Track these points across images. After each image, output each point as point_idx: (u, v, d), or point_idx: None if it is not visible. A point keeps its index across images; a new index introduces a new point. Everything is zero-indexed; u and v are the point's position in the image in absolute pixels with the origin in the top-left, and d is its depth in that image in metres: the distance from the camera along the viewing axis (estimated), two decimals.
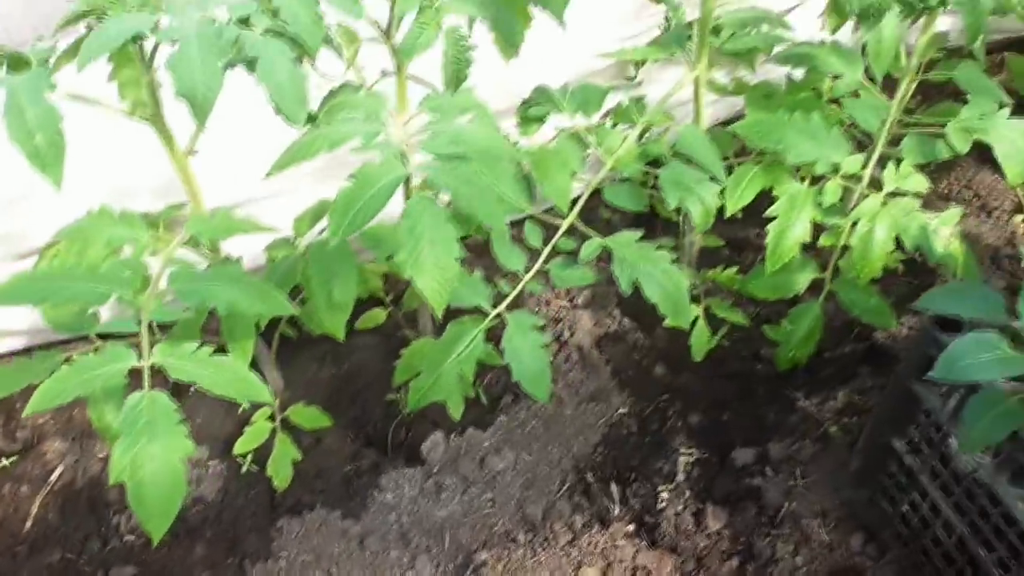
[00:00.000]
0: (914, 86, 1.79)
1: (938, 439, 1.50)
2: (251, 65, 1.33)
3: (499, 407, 1.99)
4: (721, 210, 1.73)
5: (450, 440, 1.91)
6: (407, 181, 1.36)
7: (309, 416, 1.91)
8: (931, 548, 1.59)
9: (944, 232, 1.60)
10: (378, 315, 2.10)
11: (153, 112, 1.51)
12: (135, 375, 1.27)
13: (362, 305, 2.08)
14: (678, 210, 1.76)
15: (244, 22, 1.34)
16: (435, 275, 1.22)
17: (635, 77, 2.11)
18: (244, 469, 1.88)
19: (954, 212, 1.64)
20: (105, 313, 1.65)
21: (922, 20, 1.68)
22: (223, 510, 1.84)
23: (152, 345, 1.29)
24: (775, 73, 2.09)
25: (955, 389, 1.41)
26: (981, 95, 1.81)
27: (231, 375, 1.27)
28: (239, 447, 1.85)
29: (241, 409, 1.94)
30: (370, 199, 1.24)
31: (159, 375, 1.27)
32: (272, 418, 1.89)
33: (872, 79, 1.82)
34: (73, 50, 1.44)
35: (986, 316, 1.30)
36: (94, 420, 1.51)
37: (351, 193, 1.25)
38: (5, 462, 1.90)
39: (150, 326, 1.31)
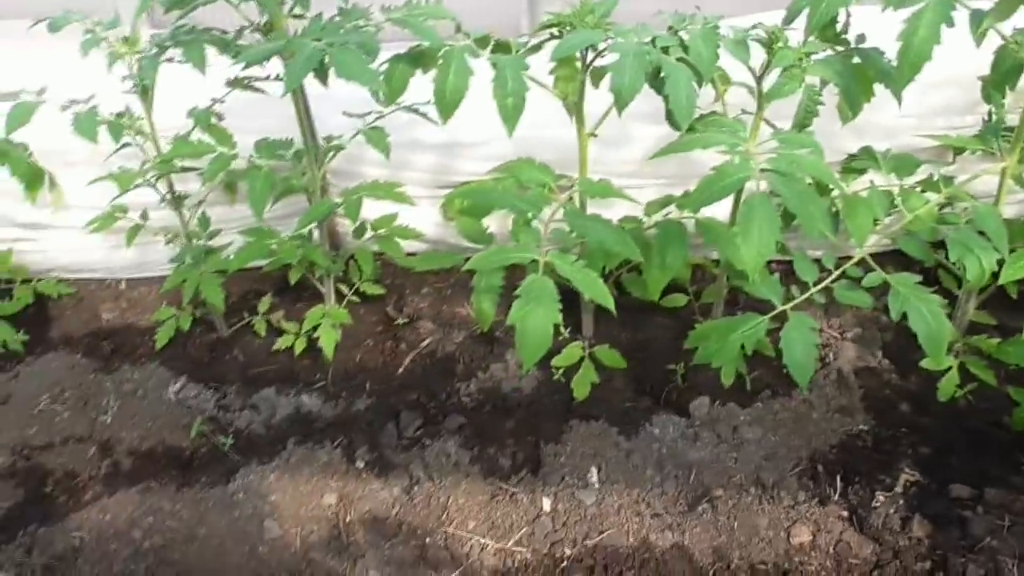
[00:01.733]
0: None
1: None
2: (660, 82, 1.90)
3: (759, 396, 2.43)
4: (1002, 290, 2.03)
5: (714, 405, 2.38)
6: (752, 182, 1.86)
7: (610, 356, 2.46)
8: None
9: None
10: (679, 299, 2.62)
11: (577, 101, 2.13)
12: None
13: (668, 291, 2.60)
14: (958, 281, 2.10)
15: (664, 51, 1.91)
16: (757, 248, 1.71)
17: (952, 162, 2.46)
18: (555, 378, 2.46)
19: None
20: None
21: None
22: (534, 401, 2.43)
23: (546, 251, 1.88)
24: None
25: None
26: None
27: (590, 280, 1.83)
28: (556, 361, 2.44)
29: (561, 336, 2.52)
30: (722, 186, 1.76)
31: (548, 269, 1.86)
32: (583, 350, 2.46)
33: None
34: (535, 47, 2.10)
35: None
36: (476, 304, 2.14)
37: (711, 180, 1.78)
38: (397, 318, 2.63)
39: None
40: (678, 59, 1.92)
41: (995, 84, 2.07)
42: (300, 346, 2.55)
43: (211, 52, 2.04)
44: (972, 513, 2.13)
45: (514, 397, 2.45)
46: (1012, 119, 2.26)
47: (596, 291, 1.83)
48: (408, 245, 2.61)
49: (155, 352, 2.64)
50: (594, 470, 2.25)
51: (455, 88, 1.93)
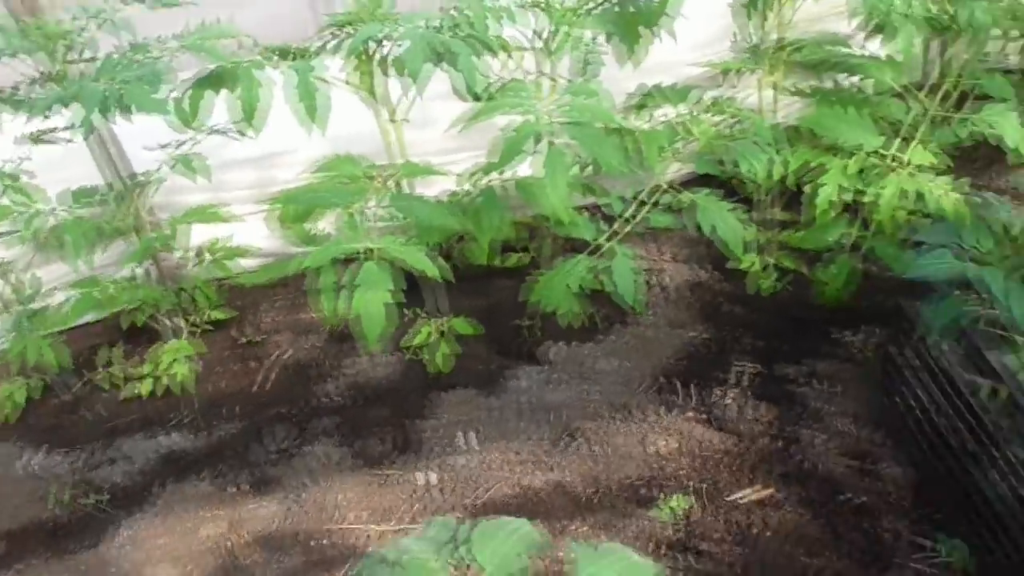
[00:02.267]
0: (952, 92, 2.31)
1: (923, 344, 2.01)
2: (451, 59, 2.01)
3: (607, 330, 2.61)
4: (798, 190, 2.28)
5: (568, 348, 2.54)
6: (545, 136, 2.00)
7: (464, 326, 2.58)
8: (923, 433, 2.09)
9: (943, 191, 2.11)
10: (516, 258, 2.76)
11: (375, 92, 2.23)
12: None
13: (508, 253, 2.75)
14: (759, 188, 2.33)
15: (452, 29, 2.03)
16: (559, 190, 1.86)
17: (723, 85, 2.70)
18: (414, 358, 2.56)
19: (946, 179, 2.15)
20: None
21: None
22: (399, 385, 2.53)
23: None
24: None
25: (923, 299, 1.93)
26: (1001, 97, 2.32)
27: (416, 256, 1.95)
28: (407, 341, 2.54)
29: (410, 316, 2.61)
30: (517, 143, 1.90)
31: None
32: (437, 326, 2.57)
33: (919, 87, 2.35)
34: (325, 48, 2.18)
35: (949, 241, 1.84)
36: (315, 302, 2.21)
37: (511, 140, 1.91)
38: (253, 339, 2.66)
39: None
40: (465, 36, 2.04)
41: (748, 5, 2.30)
42: (159, 387, 2.54)
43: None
44: (808, 388, 2.38)
45: (380, 386, 2.53)
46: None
47: (422, 264, 1.95)
48: (248, 263, 2.64)
49: (6, 427, 2.57)
50: (462, 434, 2.36)
51: (252, 99, 1.99)
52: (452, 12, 2.09)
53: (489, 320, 2.68)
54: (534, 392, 2.46)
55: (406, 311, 2.65)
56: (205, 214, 2.33)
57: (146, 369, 2.55)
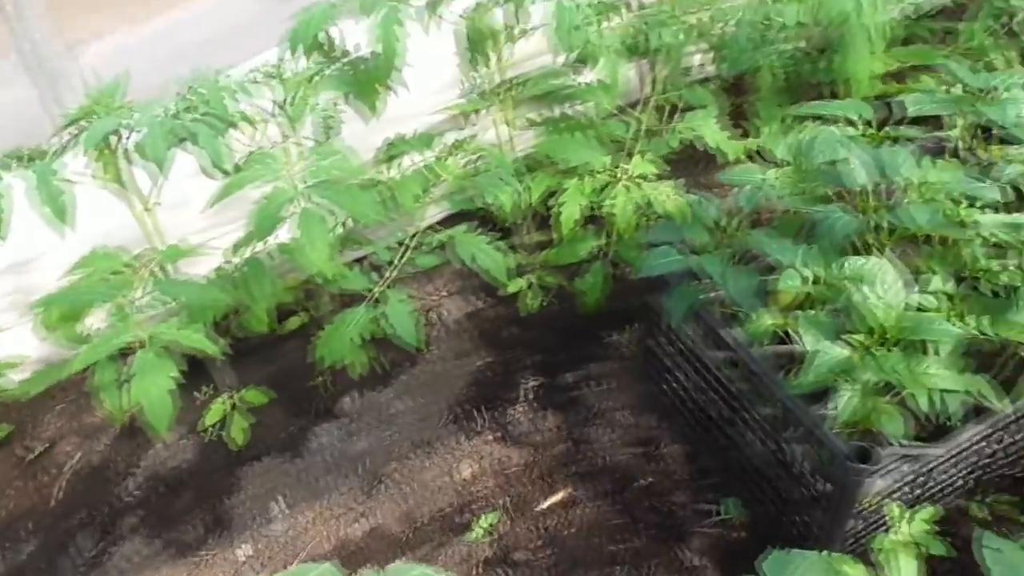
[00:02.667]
0: (665, 105, 2.61)
1: (672, 332, 2.26)
2: (193, 138, 2.06)
3: (398, 372, 2.70)
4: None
5: (361, 398, 2.62)
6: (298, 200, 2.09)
7: (254, 396, 2.60)
8: (688, 411, 2.34)
9: (665, 195, 2.38)
10: (297, 320, 2.81)
11: (122, 182, 2.23)
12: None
13: (286, 317, 2.79)
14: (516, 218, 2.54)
15: (186, 111, 2.07)
16: (319, 249, 1.95)
17: (464, 126, 2.89)
18: (211, 438, 2.55)
19: (671, 185, 2.44)
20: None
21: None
22: (199, 468, 2.50)
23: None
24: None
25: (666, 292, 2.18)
26: (702, 105, 2.64)
27: (192, 338, 1.98)
28: (204, 422, 2.53)
29: (201, 397, 2.60)
30: (272, 211, 1.98)
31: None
32: (229, 401, 2.57)
33: (633, 105, 2.63)
34: (64, 147, 2.17)
35: (672, 238, 2.09)
36: (99, 402, 2.18)
37: (264, 209, 1.99)
38: (31, 452, 2.54)
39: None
40: (203, 115, 2.09)
41: (470, 55, 2.50)
42: None
43: None
44: (586, 390, 2.58)
45: (180, 472, 2.50)
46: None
47: (199, 344, 1.98)
48: (19, 376, 2.54)
49: None
50: (274, 503, 2.39)
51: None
52: (187, 95, 2.14)
53: (281, 385, 2.71)
54: (336, 447, 2.51)
55: (196, 393, 2.63)
56: None
57: None
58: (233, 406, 2.55)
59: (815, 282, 1.89)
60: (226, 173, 2.16)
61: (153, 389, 1.86)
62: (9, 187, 2.02)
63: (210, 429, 2.56)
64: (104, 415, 2.64)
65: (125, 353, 2.05)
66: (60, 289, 2.11)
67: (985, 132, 2.31)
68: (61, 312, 2.36)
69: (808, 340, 1.77)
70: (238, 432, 2.51)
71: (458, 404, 2.60)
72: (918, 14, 3.04)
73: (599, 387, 2.57)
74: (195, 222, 2.71)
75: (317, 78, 2.26)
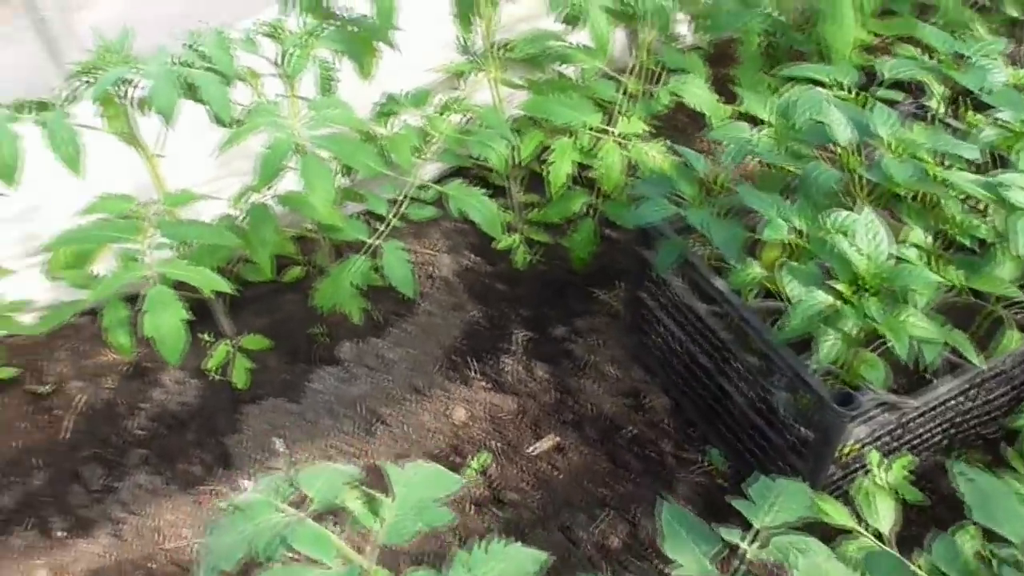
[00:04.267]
0: (651, 70, 2.70)
1: (661, 284, 2.37)
2: (195, 91, 2.14)
3: (391, 323, 2.81)
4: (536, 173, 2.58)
5: (358, 345, 2.72)
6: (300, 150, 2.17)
7: (255, 341, 2.70)
8: (674, 363, 2.45)
9: (652, 153, 2.48)
10: (297, 271, 2.91)
11: (130, 132, 2.31)
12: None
13: (285, 267, 2.89)
14: (507, 176, 2.63)
15: (189, 65, 2.16)
16: (322, 197, 2.05)
17: (459, 87, 2.98)
18: (214, 379, 2.66)
19: (658, 143, 2.54)
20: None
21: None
22: (202, 408, 2.61)
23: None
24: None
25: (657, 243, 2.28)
26: (688, 70, 2.73)
27: (202, 275, 2.07)
28: (207, 364, 2.63)
29: (204, 342, 2.70)
30: (276, 159, 2.07)
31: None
32: (229, 345, 2.68)
33: (621, 71, 2.72)
34: (72, 98, 2.25)
35: (662, 192, 2.19)
36: (111, 340, 2.28)
37: (267, 157, 2.08)
38: (41, 389, 2.65)
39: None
40: (205, 69, 2.17)
41: (461, 16, 2.58)
42: None
43: None
44: (573, 344, 2.69)
45: (184, 411, 2.61)
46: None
47: (210, 282, 2.08)
48: (25, 318, 2.63)
49: None
50: (275, 440, 2.50)
51: (9, 154, 2.04)
52: (192, 48, 2.22)
53: (279, 333, 2.81)
54: (333, 391, 2.62)
55: (199, 336, 2.73)
56: None
57: None
58: (232, 351, 2.65)
59: (799, 234, 1.99)
60: (229, 125, 2.25)
61: (165, 322, 1.96)
62: (19, 136, 2.10)
63: (213, 371, 2.66)
64: (113, 356, 2.75)
65: (132, 298, 2.14)
66: (70, 230, 2.20)
67: (967, 99, 2.41)
68: (69, 256, 2.46)
69: (792, 288, 1.88)
70: (240, 374, 2.61)
71: (451, 354, 2.71)
72: None
73: (588, 340, 2.69)
74: (199, 174, 2.81)
75: (315, 35, 2.34)
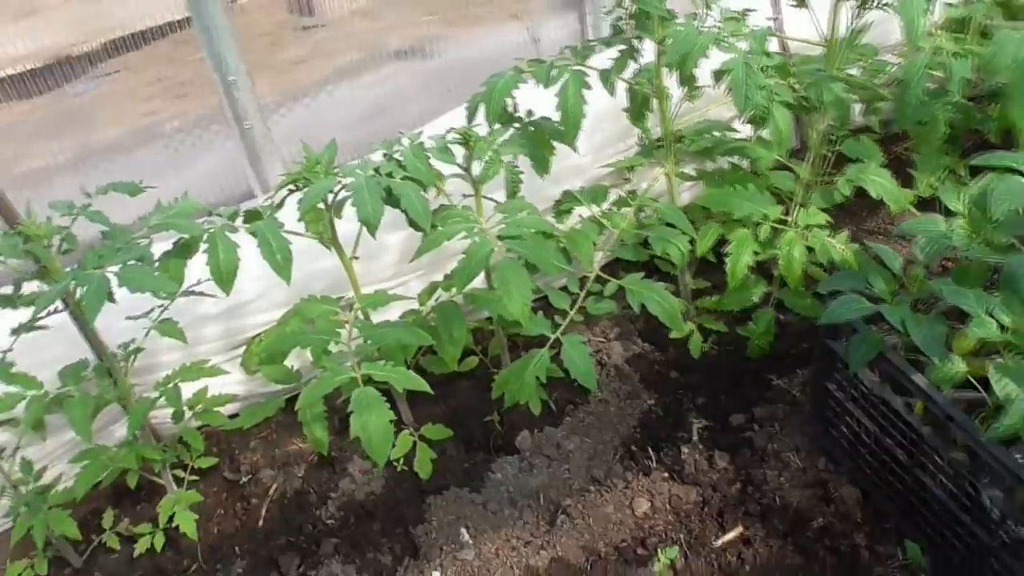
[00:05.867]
0: (822, 156, 2.71)
1: (851, 376, 2.33)
2: (395, 199, 2.27)
3: (565, 412, 2.86)
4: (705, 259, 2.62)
5: (535, 435, 2.77)
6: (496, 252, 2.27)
7: (436, 431, 2.79)
8: (863, 454, 2.40)
9: (838, 245, 2.47)
10: (472, 361, 3.00)
11: (331, 236, 2.46)
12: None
13: (461, 358, 2.98)
14: (672, 263, 2.67)
15: (389, 174, 2.29)
16: (519, 300, 2.12)
17: (629, 179, 3.05)
18: (399, 469, 2.75)
19: (844, 234, 2.52)
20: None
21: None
22: (388, 497, 2.70)
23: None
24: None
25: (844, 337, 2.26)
26: (865, 157, 2.73)
27: (405, 376, 2.17)
28: (393, 454, 2.73)
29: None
30: (476, 263, 2.17)
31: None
32: (412, 435, 2.77)
33: (795, 156, 2.74)
34: (279, 205, 2.42)
35: (853, 287, 2.18)
36: (310, 434, 2.41)
37: (466, 261, 2.18)
38: (241, 480, 2.80)
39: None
40: (403, 177, 2.31)
41: (635, 113, 2.66)
42: (159, 543, 2.64)
43: None
44: (752, 432, 2.67)
45: (371, 501, 2.70)
46: (657, 133, 2.87)
47: (412, 382, 2.17)
48: (224, 409, 2.80)
49: None
50: (463, 530, 2.56)
51: (227, 262, 2.21)
52: (392, 156, 2.36)
53: (457, 422, 2.90)
54: (514, 480, 2.67)
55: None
56: (198, 370, 2.50)
57: (150, 526, 2.65)
58: (416, 441, 2.75)
59: (1003, 329, 1.94)
60: (424, 230, 2.37)
61: (372, 423, 2.05)
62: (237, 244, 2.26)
63: (398, 461, 2.75)
64: (301, 448, 2.88)
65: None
66: (278, 333, 2.34)
67: None
68: (269, 353, 2.62)
69: (1003, 387, 1.83)
70: (424, 464, 2.70)
71: (629, 443, 2.73)
72: None
73: (767, 429, 2.66)
74: (384, 271, 2.96)
75: (505, 141, 2.46)
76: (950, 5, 2.86)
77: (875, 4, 2.62)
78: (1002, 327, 1.97)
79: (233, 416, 2.84)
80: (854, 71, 2.84)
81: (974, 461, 2.04)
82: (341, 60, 3.15)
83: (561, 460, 2.71)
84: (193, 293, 2.44)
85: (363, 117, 3.30)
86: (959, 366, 2.04)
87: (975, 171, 2.37)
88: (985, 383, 1.99)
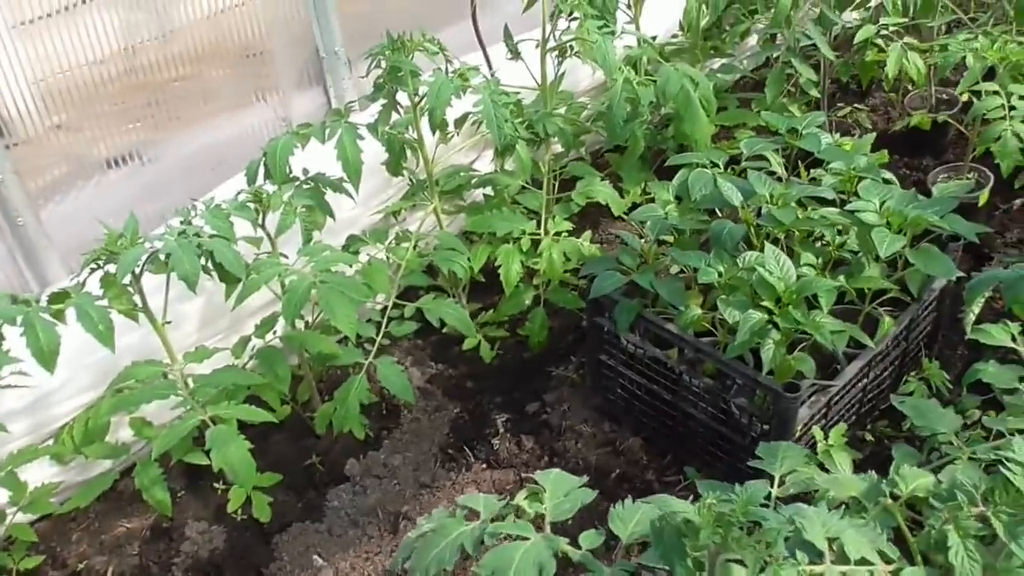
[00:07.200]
0: (555, 177, 3.28)
1: (618, 343, 2.85)
2: (212, 254, 2.48)
3: (382, 437, 3.13)
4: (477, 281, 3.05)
5: (360, 461, 3.02)
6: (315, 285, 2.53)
7: (266, 479, 2.93)
8: (638, 407, 2.92)
9: (584, 243, 3.02)
10: (285, 409, 3.18)
11: (143, 305, 2.59)
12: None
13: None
14: (456, 282, 3.07)
15: (196, 235, 2.50)
16: (344, 318, 2.41)
17: (398, 223, 3.44)
18: (238, 519, 2.86)
19: (587, 233, 3.08)
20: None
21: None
22: (234, 547, 2.80)
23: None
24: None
25: (611, 311, 2.78)
26: (587, 176, 3.33)
27: (245, 410, 2.37)
28: (229, 508, 2.84)
29: (219, 491, 2.92)
30: (299, 297, 2.44)
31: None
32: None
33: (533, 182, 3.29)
34: (81, 284, 2.52)
35: (607, 267, 2.71)
36: (151, 498, 2.50)
37: (289, 297, 2.44)
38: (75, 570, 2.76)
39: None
40: (210, 236, 2.52)
41: (394, 164, 3.08)
42: None
43: None
44: (547, 415, 3.11)
45: (217, 555, 2.79)
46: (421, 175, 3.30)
47: (256, 415, 2.39)
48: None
49: None
50: (315, 557, 2.73)
51: (48, 341, 2.30)
52: (189, 222, 2.56)
53: (284, 469, 3.04)
54: (351, 504, 2.89)
55: (213, 485, 2.94)
56: (30, 453, 2.49)
57: None
58: (249, 496, 2.88)
59: (719, 275, 2.54)
60: (239, 279, 2.58)
61: (232, 453, 2.23)
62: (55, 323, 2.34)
63: (236, 512, 2.86)
64: (130, 527, 2.89)
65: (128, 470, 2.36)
66: (112, 399, 2.43)
67: (804, 160, 3.11)
68: (91, 431, 2.67)
69: (731, 314, 2.41)
70: (262, 508, 2.83)
71: (446, 448, 3.06)
72: (723, 88, 3.94)
73: (559, 409, 3.11)
74: (185, 339, 3.09)
75: (294, 196, 2.75)
76: (628, 46, 3.57)
77: (571, 53, 3.26)
78: (719, 274, 2.58)
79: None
80: (562, 111, 3.47)
81: (721, 380, 2.62)
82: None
83: (390, 477, 2.97)
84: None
85: (137, 199, 3.37)
86: (696, 311, 2.62)
87: (667, 176, 3.03)
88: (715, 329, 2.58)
